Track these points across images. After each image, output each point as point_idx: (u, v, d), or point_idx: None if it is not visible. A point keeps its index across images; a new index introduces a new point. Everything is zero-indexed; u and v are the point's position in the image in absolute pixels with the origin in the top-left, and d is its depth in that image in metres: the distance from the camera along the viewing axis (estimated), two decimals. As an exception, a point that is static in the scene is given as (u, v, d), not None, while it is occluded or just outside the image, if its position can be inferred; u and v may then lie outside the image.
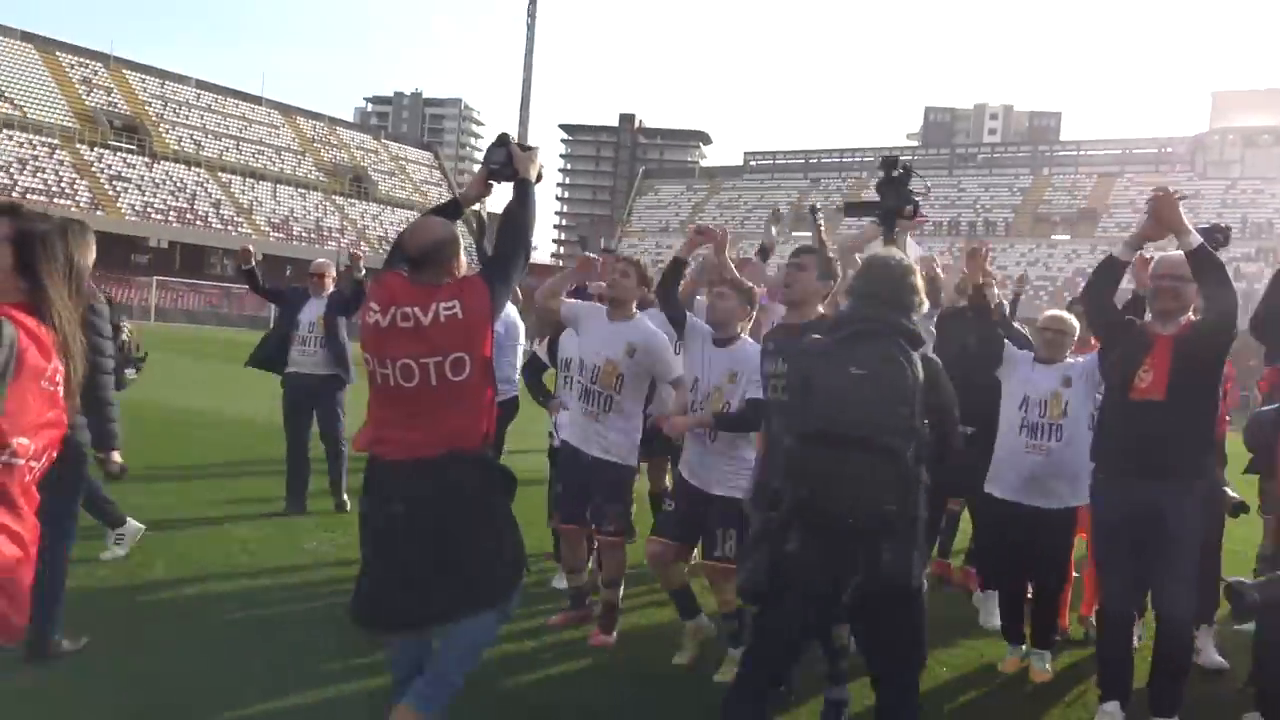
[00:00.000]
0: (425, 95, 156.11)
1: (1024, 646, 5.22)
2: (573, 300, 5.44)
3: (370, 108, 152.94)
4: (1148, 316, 4.51)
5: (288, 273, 54.91)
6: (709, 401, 4.68)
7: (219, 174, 67.73)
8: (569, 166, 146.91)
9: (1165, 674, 4.25)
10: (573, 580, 5.53)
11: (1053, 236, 68.20)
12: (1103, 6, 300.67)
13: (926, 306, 3.44)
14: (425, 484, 3.24)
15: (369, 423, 3.41)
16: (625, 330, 5.02)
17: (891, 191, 4.78)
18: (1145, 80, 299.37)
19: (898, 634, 3.28)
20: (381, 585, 3.31)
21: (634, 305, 5.13)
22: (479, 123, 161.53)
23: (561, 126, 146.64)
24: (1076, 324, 5.12)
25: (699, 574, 5.20)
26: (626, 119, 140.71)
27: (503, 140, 3.71)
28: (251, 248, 7.96)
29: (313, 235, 68.48)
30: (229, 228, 64.23)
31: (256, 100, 78.01)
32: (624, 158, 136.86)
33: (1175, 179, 70.16)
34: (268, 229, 66.32)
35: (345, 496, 7.97)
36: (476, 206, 4.15)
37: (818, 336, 3.47)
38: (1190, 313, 4.33)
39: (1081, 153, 78.48)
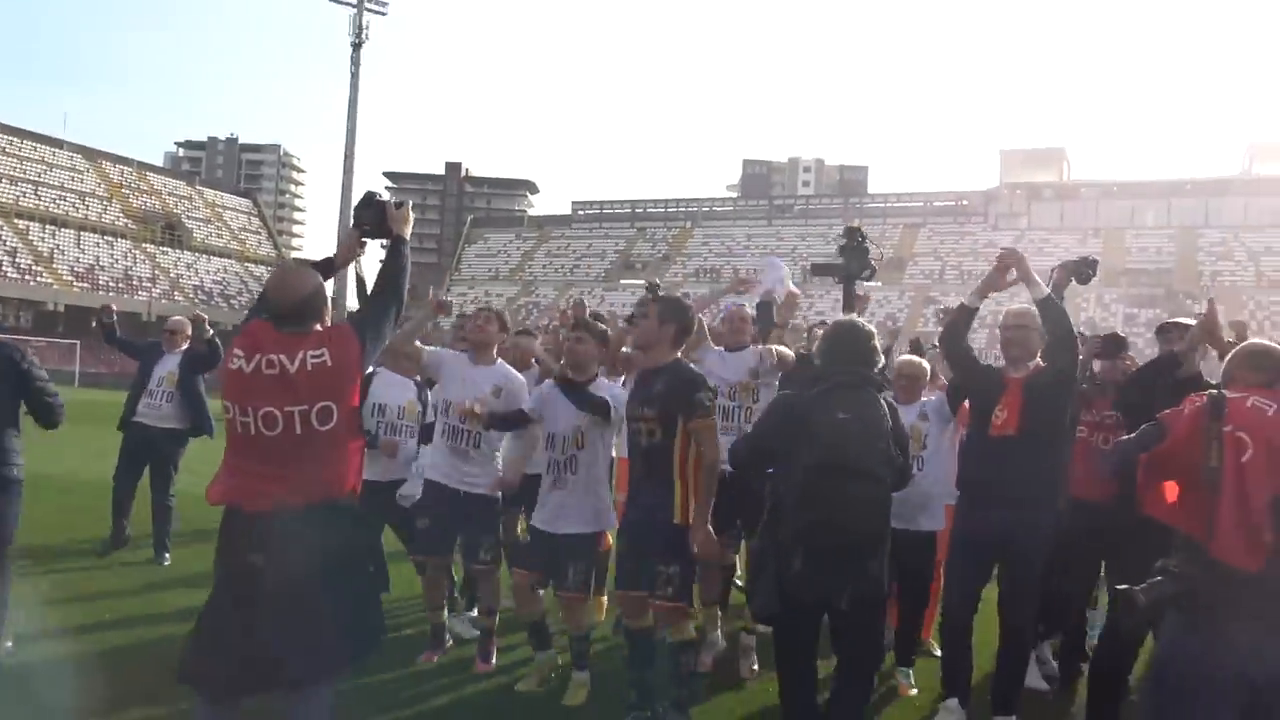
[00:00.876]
0: (241, 140, 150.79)
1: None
2: (431, 348, 5.70)
3: (182, 152, 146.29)
4: (1001, 362, 4.94)
5: (94, 324, 51.63)
6: (569, 443, 4.96)
7: (14, 220, 63.34)
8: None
9: (1006, 676, 4.71)
10: (434, 618, 5.73)
11: (866, 284, 71.61)
12: (903, 66, 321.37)
13: (883, 361, 4.15)
14: (289, 536, 3.10)
15: (224, 473, 3.29)
16: (490, 374, 5.48)
17: (854, 257, 5.19)
18: (943, 137, 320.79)
19: (870, 634, 3.98)
20: (225, 643, 3.13)
21: (494, 351, 5.56)
22: (299, 169, 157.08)
23: (386, 174, 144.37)
24: (927, 367, 5.66)
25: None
26: (453, 167, 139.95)
27: (370, 200, 3.71)
28: (112, 305, 8.23)
29: (121, 284, 64.82)
30: (27, 277, 60.04)
31: (58, 143, 73.56)
32: (451, 206, 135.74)
33: (971, 230, 75.22)
34: (70, 278, 62.36)
35: (167, 554, 7.99)
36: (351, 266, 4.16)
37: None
38: (1038, 357, 4.78)
39: (888, 204, 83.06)
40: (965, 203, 79.86)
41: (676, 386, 4.43)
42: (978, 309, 4.87)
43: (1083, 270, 5.30)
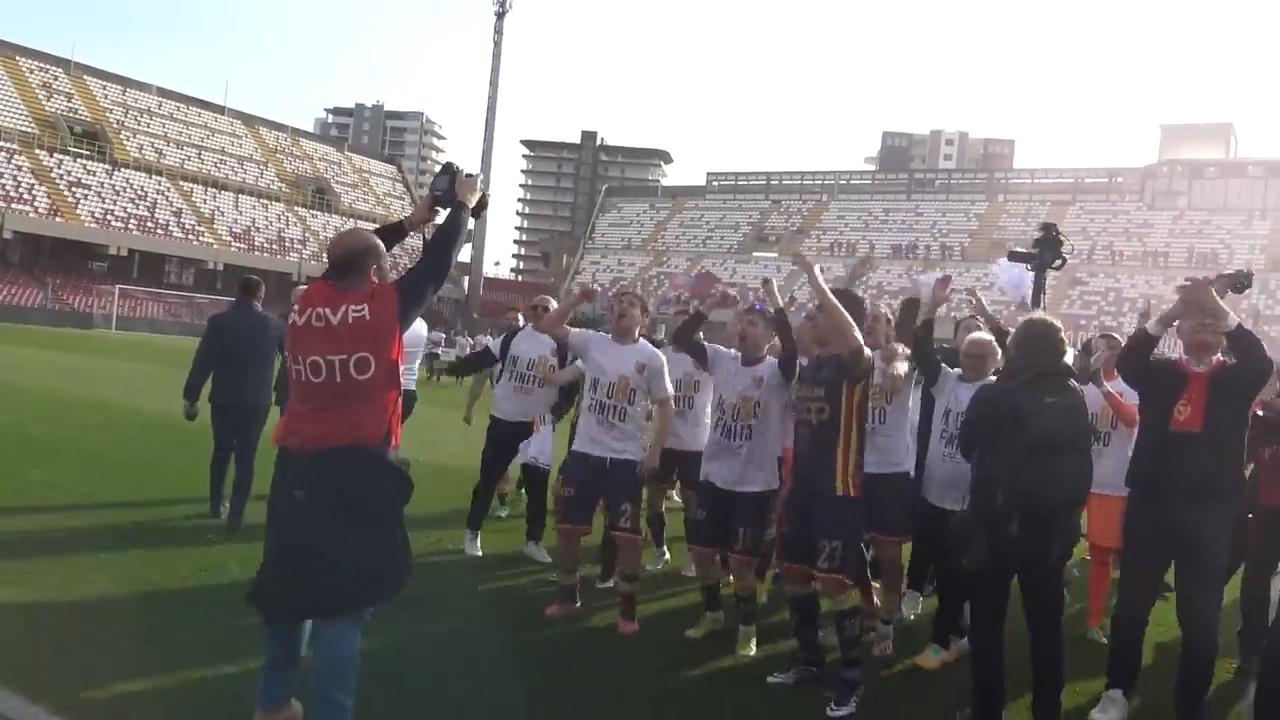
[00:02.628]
0: (387, 108, 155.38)
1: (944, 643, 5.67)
2: (578, 331, 6.10)
3: (330, 118, 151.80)
4: (1178, 353, 5.04)
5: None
6: (739, 410, 5.45)
7: (180, 183, 66.90)
8: (530, 182, 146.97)
9: (1189, 688, 4.61)
10: (566, 579, 6.07)
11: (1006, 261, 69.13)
12: (1055, 38, 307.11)
13: (1071, 354, 4.68)
14: (327, 472, 3.44)
15: (284, 416, 3.68)
16: (632, 352, 5.91)
17: (1048, 248, 5.15)
18: (1096, 111, 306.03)
19: (1058, 585, 4.64)
20: (274, 571, 3.54)
21: (636, 332, 6.00)
22: (440, 136, 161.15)
23: (523, 142, 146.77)
24: (996, 347, 5.67)
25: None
26: (588, 136, 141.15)
27: (448, 169, 3.99)
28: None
29: (275, 246, 67.79)
30: (190, 237, 63.39)
31: (219, 109, 77.26)
32: (585, 175, 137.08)
33: (1125, 209, 71.61)
34: (229, 239, 65.53)
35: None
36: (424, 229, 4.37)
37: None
38: (1219, 353, 4.83)
39: (1035, 180, 79.87)
40: (1120, 179, 75.99)
41: (841, 367, 4.93)
42: (1159, 337, 4.87)
43: (1239, 282, 5.45)
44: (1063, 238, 4.94)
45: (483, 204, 3.96)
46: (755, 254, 76.66)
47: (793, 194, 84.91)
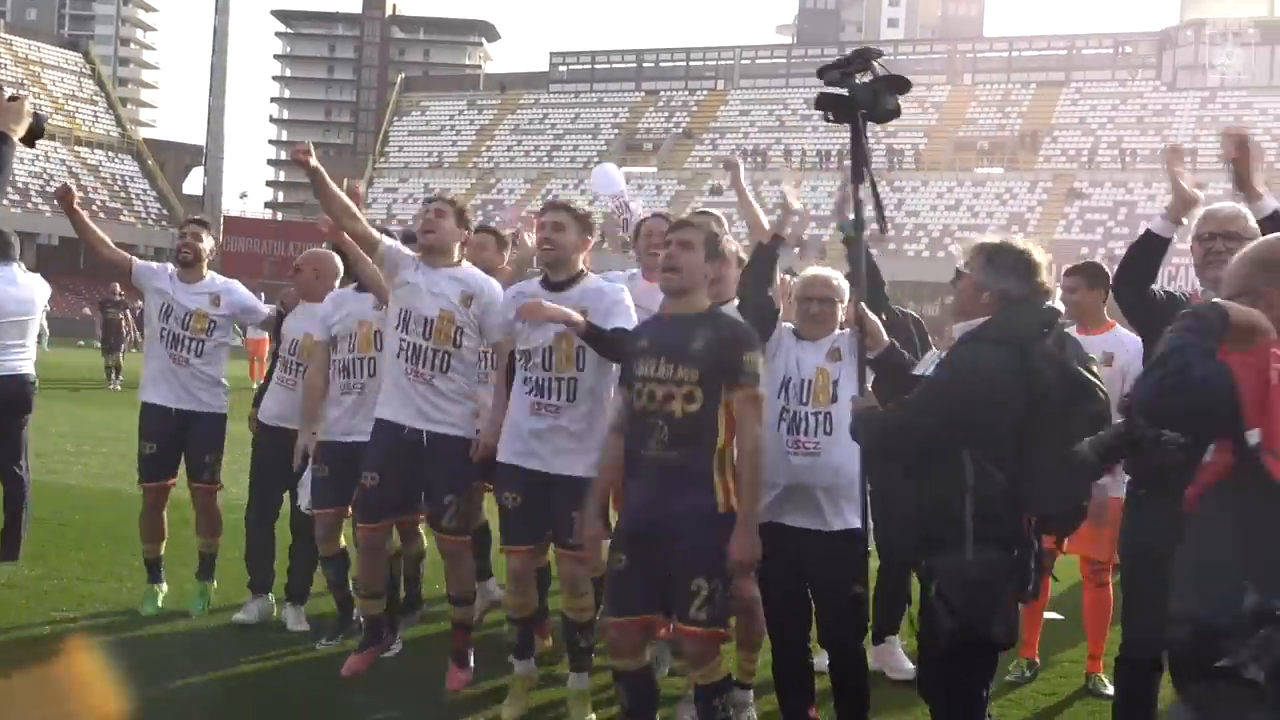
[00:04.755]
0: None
1: None
2: (392, 243, 6.31)
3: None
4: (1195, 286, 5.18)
5: None
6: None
7: None
8: (289, 73, 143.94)
9: None
10: (370, 607, 6.37)
11: (979, 170, 71.32)
12: None
13: None
14: None
15: None
16: (456, 278, 6.11)
17: (865, 88, 4.96)
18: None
19: None
20: None
21: (454, 253, 6.19)
22: (149, 8, 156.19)
23: (276, 13, 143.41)
24: (844, 286, 5.56)
25: None
26: (374, 3, 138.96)
27: None
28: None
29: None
30: None
31: None
32: (372, 60, 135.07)
33: (1138, 90, 74.60)
34: None
35: None
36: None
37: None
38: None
39: (1014, 54, 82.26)
40: (1128, 50, 79.03)
41: (725, 343, 4.89)
42: (1171, 239, 4.99)
43: None
44: (878, 66, 4.55)
45: (35, 133, 4.14)
46: (626, 169, 76.82)
47: (675, 81, 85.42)
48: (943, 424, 4.23)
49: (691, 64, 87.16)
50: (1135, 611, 5.10)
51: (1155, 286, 5.13)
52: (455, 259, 6.25)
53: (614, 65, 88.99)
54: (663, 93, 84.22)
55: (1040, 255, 4.44)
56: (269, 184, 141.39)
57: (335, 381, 6.75)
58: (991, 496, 4.16)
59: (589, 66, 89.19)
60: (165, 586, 7.67)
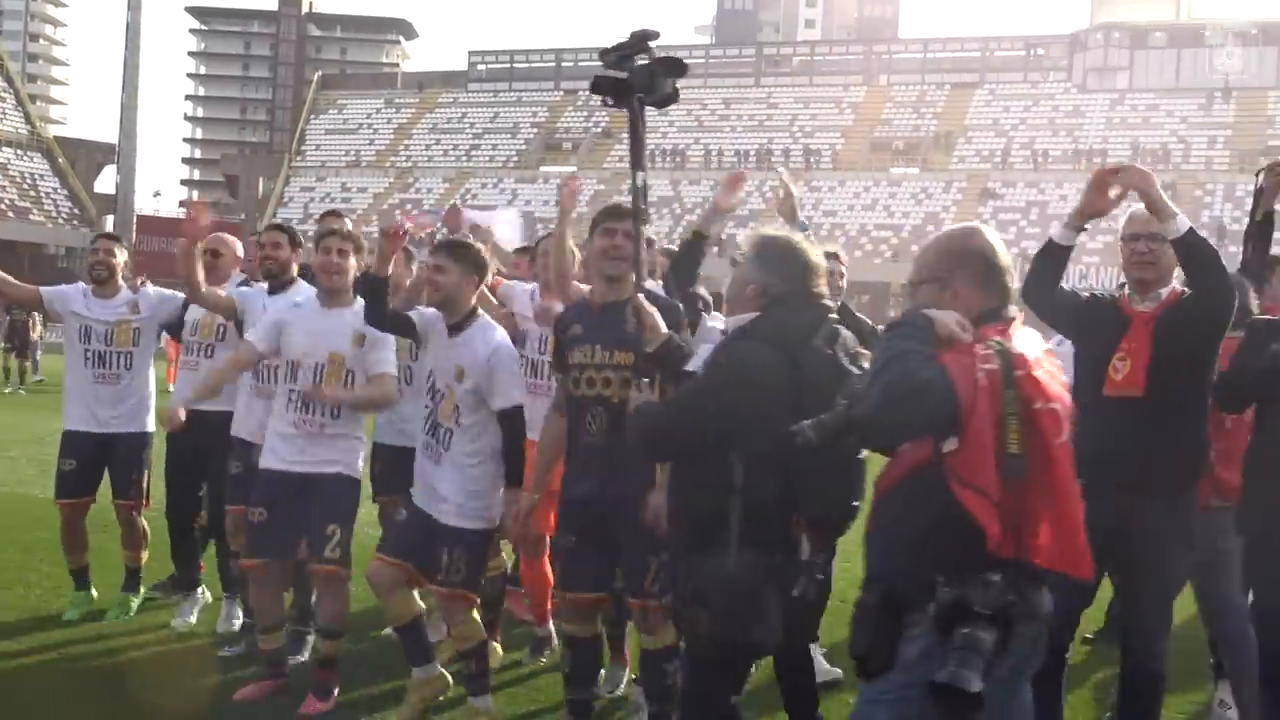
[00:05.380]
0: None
1: None
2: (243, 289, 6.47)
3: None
4: (1119, 285, 5.15)
5: None
6: None
7: None
8: (204, 71, 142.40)
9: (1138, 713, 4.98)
10: (267, 641, 6.28)
11: (894, 170, 71.98)
12: None
13: None
14: None
15: None
16: (348, 318, 6.05)
17: (642, 72, 4.84)
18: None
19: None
20: None
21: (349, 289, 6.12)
22: (59, 3, 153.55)
23: (192, 10, 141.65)
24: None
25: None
26: (290, 0, 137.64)
27: None
28: None
29: None
30: None
31: None
32: (288, 58, 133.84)
33: (1049, 91, 75.73)
34: None
35: None
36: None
37: None
38: (1175, 282, 4.93)
39: (928, 55, 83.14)
40: (1041, 52, 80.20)
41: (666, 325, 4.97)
42: (1072, 247, 4.99)
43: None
44: (653, 48, 4.41)
45: None
46: (544, 168, 76.87)
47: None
48: (709, 424, 4.16)
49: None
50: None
51: (1064, 285, 5.13)
52: (351, 298, 6.13)
53: (533, 64, 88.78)
54: (582, 92, 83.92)
55: (817, 256, 4.41)
56: (183, 183, 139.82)
57: (252, 382, 6.69)
58: (760, 499, 4.08)
59: (508, 65, 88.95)
60: (95, 593, 7.62)
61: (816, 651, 6.83)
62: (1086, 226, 4.97)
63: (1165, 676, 4.98)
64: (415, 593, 5.77)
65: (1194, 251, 4.68)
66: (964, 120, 74.70)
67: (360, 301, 5.96)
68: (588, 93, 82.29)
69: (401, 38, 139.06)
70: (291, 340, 6.05)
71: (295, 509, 6.00)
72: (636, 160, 4.88)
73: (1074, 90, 75.72)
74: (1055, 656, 4.87)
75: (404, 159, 79.96)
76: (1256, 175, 5.69)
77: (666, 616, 5.08)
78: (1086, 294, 5.20)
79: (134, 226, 76.33)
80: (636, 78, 4.75)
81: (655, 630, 5.16)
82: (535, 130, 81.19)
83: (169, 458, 7.59)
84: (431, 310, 5.75)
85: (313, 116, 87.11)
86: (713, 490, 4.14)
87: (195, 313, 7.38)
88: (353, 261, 6.10)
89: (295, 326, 6.09)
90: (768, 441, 4.00)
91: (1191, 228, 4.68)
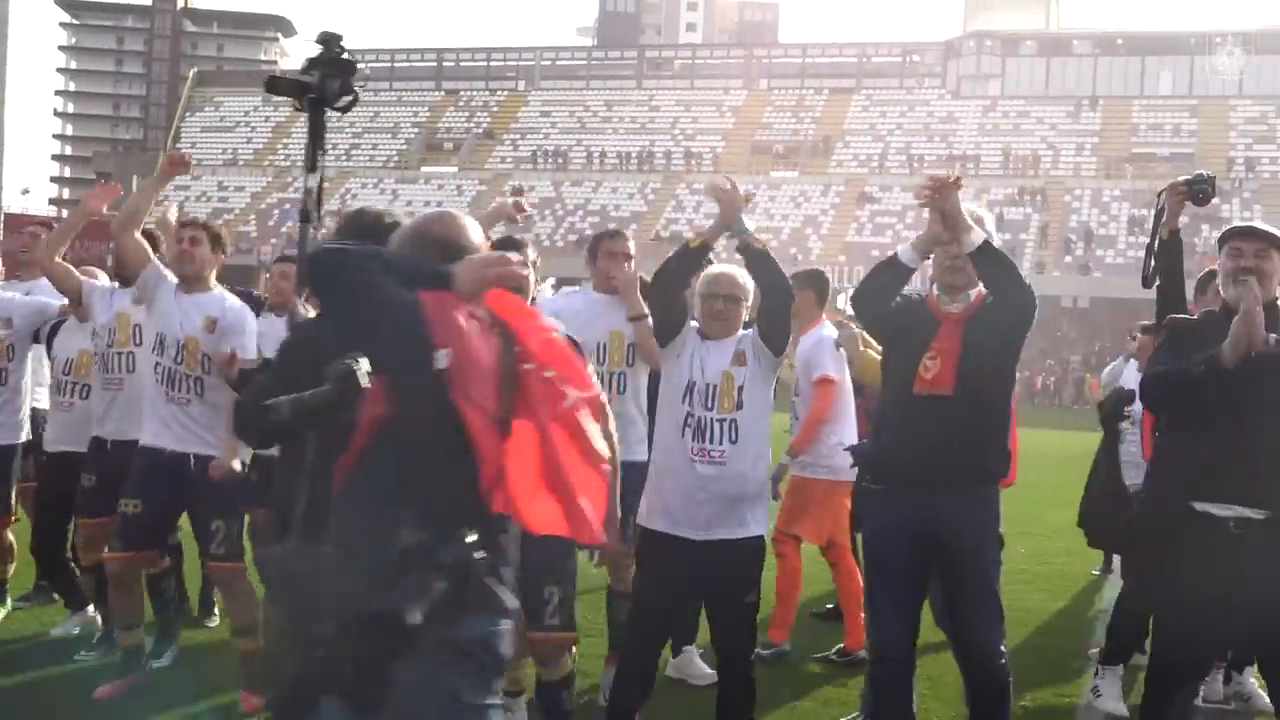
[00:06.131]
0: None
1: None
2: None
3: None
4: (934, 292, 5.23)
5: None
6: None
7: None
8: (75, 65, 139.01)
9: (987, 713, 5.04)
10: (127, 638, 6.20)
11: (774, 173, 72.66)
12: None
13: None
14: None
15: None
16: (203, 303, 6.17)
17: (330, 70, 4.74)
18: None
19: None
20: None
21: (210, 278, 6.27)
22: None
23: (60, 3, 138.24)
24: (749, 285, 5.47)
25: None
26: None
27: None
28: None
29: None
30: None
31: None
32: (163, 53, 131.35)
33: (924, 97, 77.00)
34: None
35: None
36: None
37: None
38: (980, 285, 5.03)
39: (808, 59, 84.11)
40: (916, 58, 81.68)
41: None
42: (914, 270, 5.05)
43: (1198, 190, 5.63)
44: (346, 53, 4.32)
45: None
46: (426, 168, 76.33)
47: (476, 81, 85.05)
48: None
49: (492, 64, 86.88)
50: (883, 611, 5.12)
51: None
52: (210, 285, 6.28)
53: (414, 64, 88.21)
54: (463, 92, 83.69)
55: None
56: (53, 180, 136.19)
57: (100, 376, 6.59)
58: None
59: (388, 65, 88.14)
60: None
61: (694, 653, 6.85)
62: (931, 254, 5.07)
63: (1009, 682, 5.04)
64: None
65: (990, 264, 4.84)
66: (842, 125, 75.63)
67: (218, 289, 6.27)
68: (469, 93, 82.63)
69: (280, 35, 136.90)
70: (151, 319, 6.17)
71: (172, 499, 6.05)
72: (310, 162, 4.76)
73: (948, 97, 77.10)
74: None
75: (282, 158, 78.76)
76: (1159, 195, 5.82)
77: (567, 649, 5.28)
78: (899, 298, 5.19)
79: (1, 224, 74.35)
80: (314, 81, 4.71)
81: (554, 662, 5.28)
82: (416, 130, 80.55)
83: (38, 495, 7.45)
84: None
85: (188, 114, 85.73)
86: (293, 476, 4.02)
87: (69, 348, 7.15)
88: (206, 250, 6.18)
89: (158, 305, 6.14)
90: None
91: (987, 241, 4.81)
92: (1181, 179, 5.77)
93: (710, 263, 5.47)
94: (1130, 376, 8.26)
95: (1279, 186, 63.33)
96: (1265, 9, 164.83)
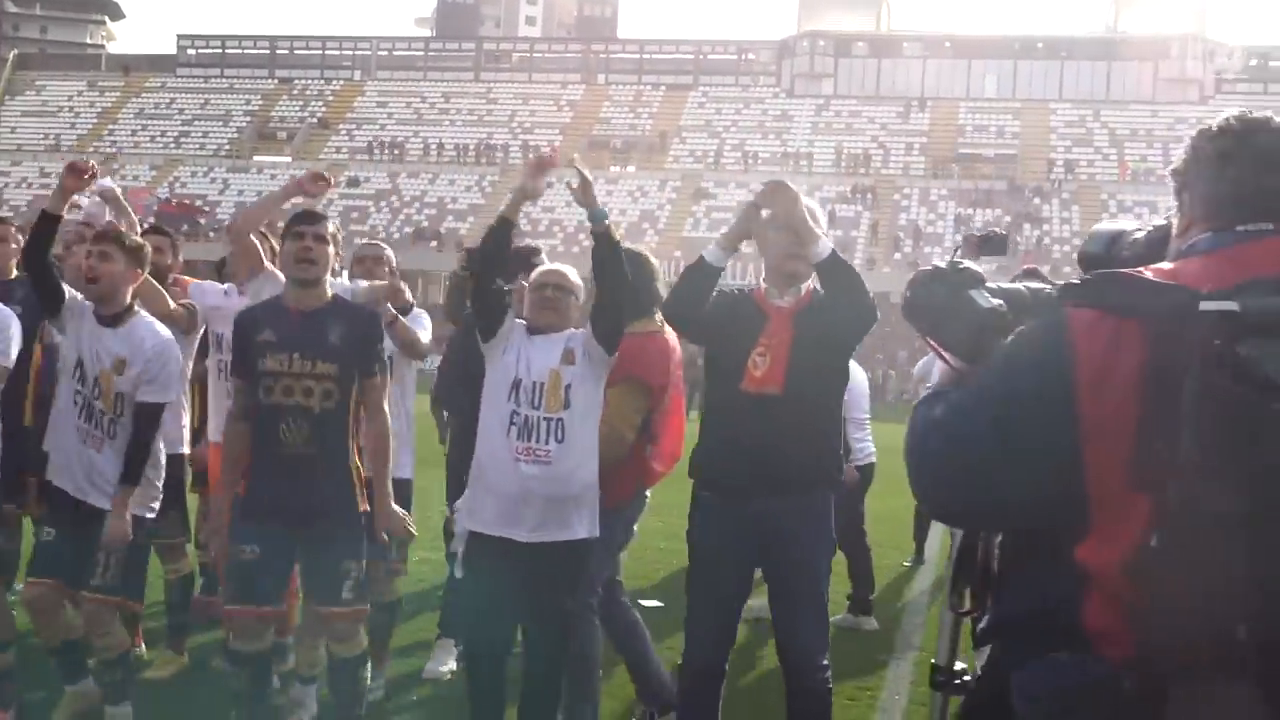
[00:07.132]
0: None
1: None
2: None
3: None
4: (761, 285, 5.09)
5: None
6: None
7: None
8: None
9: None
10: None
11: (613, 168, 72.88)
12: None
13: None
14: None
15: None
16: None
17: None
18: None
19: None
20: None
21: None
22: None
23: None
24: (578, 280, 5.44)
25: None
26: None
27: None
28: None
29: None
30: None
31: None
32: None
33: (759, 95, 78.01)
34: None
35: None
36: None
37: None
38: (814, 280, 4.89)
39: (645, 55, 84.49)
40: (751, 57, 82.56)
41: (359, 332, 5.16)
42: (722, 269, 4.96)
43: (992, 246, 5.73)
44: None
45: None
46: (258, 157, 74.88)
47: (310, 70, 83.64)
48: None
49: (328, 53, 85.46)
50: (698, 621, 5.08)
51: None
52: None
53: (246, 51, 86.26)
54: (297, 81, 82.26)
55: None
56: None
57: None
58: None
59: (220, 51, 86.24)
60: None
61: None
62: (740, 248, 5.01)
63: (830, 691, 5.00)
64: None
65: (835, 273, 4.73)
66: (679, 121, 76.22)
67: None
68: (304, 82, 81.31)
69: (107, 18, 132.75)
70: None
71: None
72: None
73: (782, 95, 78.16)
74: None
75: (108, 144, 76.49)
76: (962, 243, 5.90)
77: (360, 624, 5.27)
78: (717, 292, 5.02)
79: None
80: None
81: (349, 639, 5.23)
82: (248, 119, 78.93)
83: None
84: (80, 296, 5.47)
85: (9, 98, 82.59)
86: None
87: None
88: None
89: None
90: None
91: (834, 251, 4.72)
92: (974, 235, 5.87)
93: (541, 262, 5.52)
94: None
95: (1096, 187, 65.65)
96: (1082, 11, 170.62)
